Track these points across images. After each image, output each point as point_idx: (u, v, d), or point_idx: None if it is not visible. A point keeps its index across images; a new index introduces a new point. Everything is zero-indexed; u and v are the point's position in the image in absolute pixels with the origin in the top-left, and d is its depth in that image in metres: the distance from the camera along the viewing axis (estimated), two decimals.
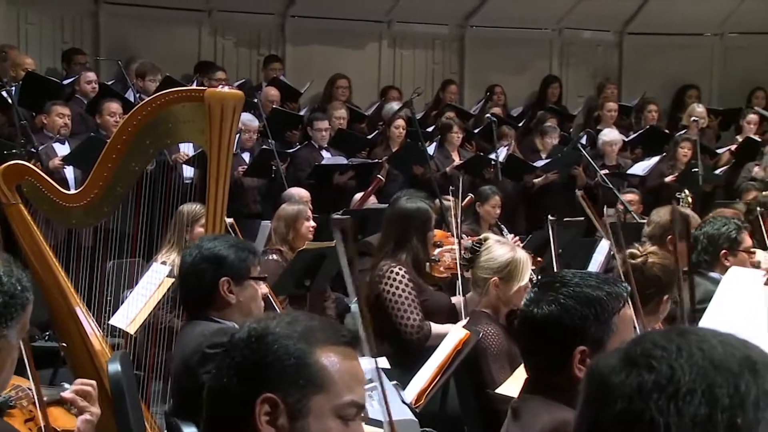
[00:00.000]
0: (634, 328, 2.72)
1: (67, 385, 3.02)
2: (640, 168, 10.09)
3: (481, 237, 4.67)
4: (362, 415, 1.79)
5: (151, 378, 4.67)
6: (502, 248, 4.38)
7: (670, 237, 5.08)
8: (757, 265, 5.09)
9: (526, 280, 4.29)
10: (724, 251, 4.83)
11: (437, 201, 6.81)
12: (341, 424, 1.74)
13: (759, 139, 10.79)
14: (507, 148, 10.06)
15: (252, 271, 3.46)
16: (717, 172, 10.28)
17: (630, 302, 2.54)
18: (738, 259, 4.78)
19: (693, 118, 10.94)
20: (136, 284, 4.99)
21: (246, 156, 8.97)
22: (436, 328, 5.04)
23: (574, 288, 2.41)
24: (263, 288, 3.55)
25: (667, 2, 12.23)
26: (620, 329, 2.40)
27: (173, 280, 4.83)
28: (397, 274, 5.10)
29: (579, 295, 2.40)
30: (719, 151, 11.02)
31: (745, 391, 1.12)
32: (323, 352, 1.75)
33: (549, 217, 6.22)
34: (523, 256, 4.37)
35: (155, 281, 4.89)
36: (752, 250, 4.98)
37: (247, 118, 8.80)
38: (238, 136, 8.17)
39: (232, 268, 3.40)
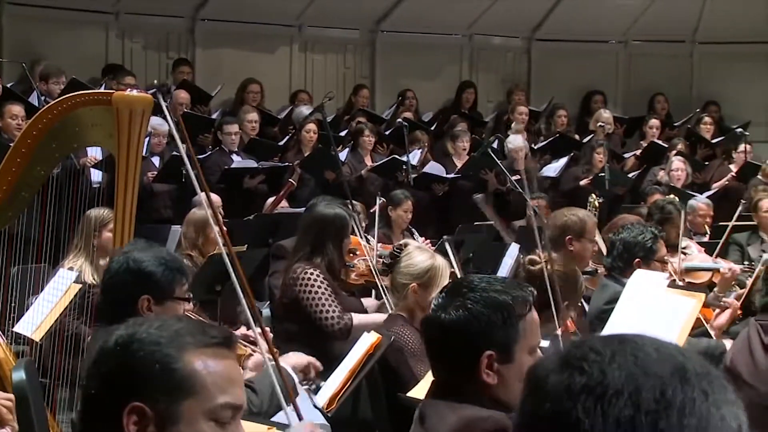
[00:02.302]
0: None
1: None
2: (551, 170, 10.24)
3: (401, 243, 4.68)
4: (240, 415, 1.77)
5: (57, 386, 4.57)
6: (422, 255, 4.39)
7: (568, 237, 5.20)
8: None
9: None
10: (638, 260, 4.91)
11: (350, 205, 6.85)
12: (216, 427, 1.72)
13: (666, 145, 11.06)
14: (420, 151, 10.12)
15: (177, 291, 3.38)
16: (630, 175, 10.50)
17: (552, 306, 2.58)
18: (651, 268, 4.84)
19: (599, 124, 11.16)
20: (42, 290, 4.89)
21: (155, 160, 8.85)
22: (358, 318, 5.07)
23: (481, 293, 2.42)
24: (187, 306, 3.48)
25: (573, 10, 12.45)
26: (527, 333, 2.43)
27: (80, 286, 4.75)
28: (311, 274, 5.13)
29: (486, 300, 2.41)
30: (625, 156, 11.27)
31: (672, 397, 1.13)
32: (193, 356, 1.72)
33: (444, 237, 6.31)
34: (442, 263, 4.38)
35: (62, 287, 4.80)
36: (666, 260, 5.08)
37: (156, 122, 8.68)
38: (147, 139, 8.07)
39: (156, 287, 3.32)
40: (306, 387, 4.10)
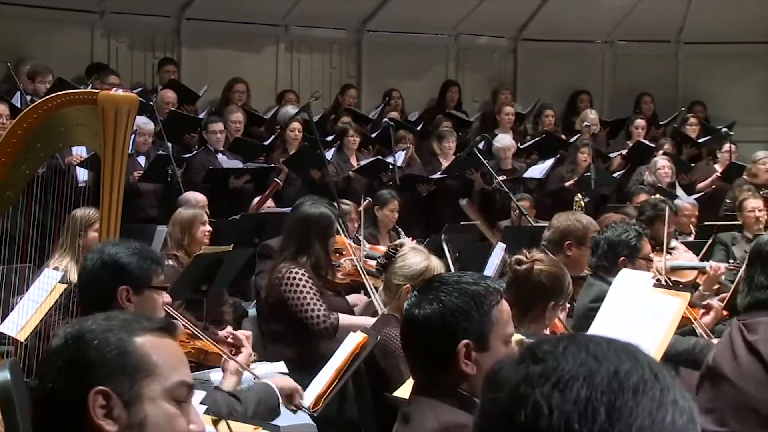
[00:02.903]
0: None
1: None
2: (537, 171, 10.25)
3: (397, 243, 4.67)
4: (192, 395, 1.83)
5: None
6: (417, 256, 4.36)
7: (568, 242, 5.18)
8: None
9: None
10: (622, 258, 4.92)
11: (337, 205, 6.88)
12: (175, 406, 1.77)
13: (653, 145, 11.09)
14: (405, 152, 10.12)
15: (154, 280, 3.39)
16: (615, 175, 10.52)
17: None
18: (636, 266, 4.86)
19: (585, 124, 11.17)
20: (27, 290, 4.88)
21: (141, 160, 8.83)
22: (344, 319, 5.07)
23: (453, 285, 2.50)
24: (165, 297, 3.49)
25: (559, 10, 12.47)
26: (500, 322, 2.50)
27: (65, 285, 4.74)
28: (297, 273, 5.14)
29: (458, 290, 2.49)
30: (611, 155, 11.29)
31: (625, 377, 1.17)
32: (142, 338, 1.79)
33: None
34: (437, 264, 4.36)
35: (47, 287, 4.78)
36: (650, 257, 5.10)
37: (142, 121, 8.67)
38: (132, 138, 8.05)
39: (133, 277, 3.33)
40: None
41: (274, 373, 4.13)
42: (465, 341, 2.43)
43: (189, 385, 1.81)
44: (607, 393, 1.15)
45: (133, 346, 1.77)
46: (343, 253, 6.12)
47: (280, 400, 3.67)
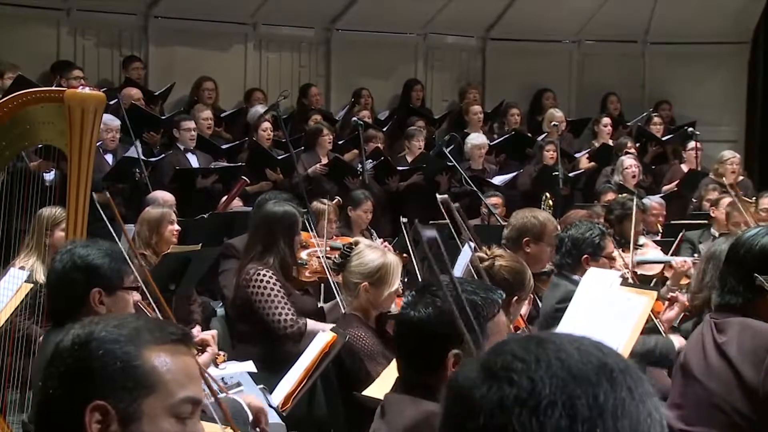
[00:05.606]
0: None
1: None
2: (499, 180, 10.25)
3: (351, 241, 4.66)
4: (200, 410, 1.78)
5: (7, 387, 4.52)
6: (372, 253, 4.37)
7: (526, 239, 5.20)
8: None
9: (397, 284, 4.32)
10: (586, 256, 4.94)
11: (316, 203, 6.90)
12: (177, 423, 1.72)
13: (612, 143, 11.16)
14: (370, 162, 10.10)
15: (126, 281, 3.39)
16: (571, 174, 10.54)
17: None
18: (599, 264, 4.90)
19: (553, 123, 11.21)
20: None
21: (109, 158, 8.75)
22: (312, 324, 5.05)
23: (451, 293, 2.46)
24: (136, 296, 3.48)
25: (527, 9, 12.52)
26: (494, 334, 2.47)
27: (32, 285, 4.70)
28: (264, 275, 5.10)
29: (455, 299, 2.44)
30: (577, 155, 11.33)
31: (604, 402, 1.15)
32: (152, 352, 1.73)
33: (401, 218, 6.30)
34: (393, 261, 4.37)
35: (13, 287, 4.74)
36: (613, 256, 5.13)
37: (108, 118, 8.59)
38: None
39: (105, 279, 3.31)
40: (261, 387, 4.09)
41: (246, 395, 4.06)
42: (455, 351, 2.40)
43: (195, 401, 1.76)
44: (587, 421, 1.13)
45: (140, 360, 1.71)
46: (308, 247, 6.10)
47: (250, 417, 3.64)
